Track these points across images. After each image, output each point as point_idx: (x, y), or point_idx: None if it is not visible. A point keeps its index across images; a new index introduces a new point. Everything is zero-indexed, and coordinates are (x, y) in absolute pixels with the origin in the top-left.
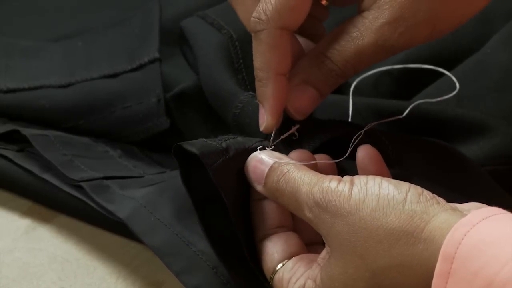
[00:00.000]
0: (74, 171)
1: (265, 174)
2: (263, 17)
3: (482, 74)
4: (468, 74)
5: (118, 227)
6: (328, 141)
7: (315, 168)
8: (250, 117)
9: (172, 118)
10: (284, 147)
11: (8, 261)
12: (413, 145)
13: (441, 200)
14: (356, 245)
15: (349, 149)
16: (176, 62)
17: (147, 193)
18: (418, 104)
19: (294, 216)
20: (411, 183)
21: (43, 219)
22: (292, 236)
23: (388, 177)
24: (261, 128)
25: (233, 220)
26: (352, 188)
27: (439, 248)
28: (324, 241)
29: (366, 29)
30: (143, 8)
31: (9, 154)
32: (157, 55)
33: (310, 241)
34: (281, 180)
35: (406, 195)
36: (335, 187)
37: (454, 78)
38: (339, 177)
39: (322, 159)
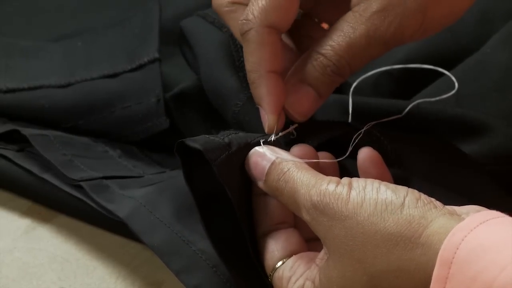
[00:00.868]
0: (73, 171)
1: (266, 171)
2: (250, 16)
3: (482, 74)
4: (468, 74)
5: (118, 227)
6: (327, 141)
7: (316, 165)
8: (250, 115)
9: (171, 118)
10: (284, 147)
11: (7, 261)
12: (412, 145)
13: (438, 204)
14: (354, 249)
15: (350, 148)
16: (175, 62)
17: (146, 192)
18: (418, 103)
19: None
20: (411, 183)
21: (43, 219)
22: (293, 234)
23: (389, 179)
24: (266, 129)
25: (238, 215)
26: (350, 192)
27: (437, 253)
28: (322, 243)
29: (356, 22)
30: (143, 8)
31: (9, 154)
32: (156, 55)
33: (310, 237)
34: (281, 179)
35: (404, 200)
36: (333, 190)
37: (453, 78)
38: (337, 179)
39: (324, 156)
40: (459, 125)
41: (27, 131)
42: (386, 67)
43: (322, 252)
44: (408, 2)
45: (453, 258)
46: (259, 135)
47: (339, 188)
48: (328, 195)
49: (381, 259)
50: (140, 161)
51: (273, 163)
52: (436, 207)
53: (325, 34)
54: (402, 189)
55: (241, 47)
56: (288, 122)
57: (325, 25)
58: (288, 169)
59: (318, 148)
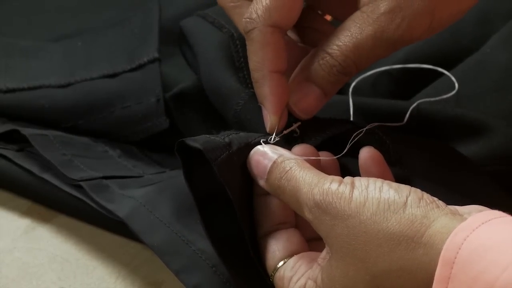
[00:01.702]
0: (73, 170)
1: (268, 169)
2: (254, 16)
3: (482, 74)
4: (468, 74)
5: (118, 226)
6: (330, 139)
7: (318, 164)
8: (251, 114)
9: (171, 118)
10: (286, 145)
11: (7, 261)
12: (414, 145)
13: (441, 203)
14: (356, 248)
15: (348, 145)
16: (175, 62)
17: (146, 192)
18: (418, 103)
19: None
20: (412, 182)
21: (42, 219)
22: (294, 233)
23: (391, 179)
24: (267, 129)
25: (238, 215)
26: (352, 191)
27: (439, 253)
28: (324, 242)
29: (364, 23)
30: (143, 8)
31: (9, 154)
32: (156, 55)
33: (311, 236)
34: (283, 177)
35: (407, 199)
36: (335, 189)
37: (453, 78)
38: (340, 178)
39: (325, 156)
40: (459, 125)
41: (27, 131)
42: (385, 67)
43: (324, 251)
44: (415, 4)
45: (455, 258)
46: (259, 135)
47: (342, 187)
48: (330, 194)
49: (384, 259)
50: (140, 161)
51: (275, 162)
52: (438, 207)
53: (332, 32)
54: (405, 188)
55: (241, 47)
56: (291, 119)
57: (328, 17)
58: (290, 168)
59: (320, 147)
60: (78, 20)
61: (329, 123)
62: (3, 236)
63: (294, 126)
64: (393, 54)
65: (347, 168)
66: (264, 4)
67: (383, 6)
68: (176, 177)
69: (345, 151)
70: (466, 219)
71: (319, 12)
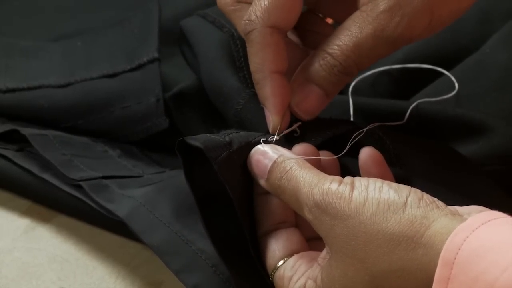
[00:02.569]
0: (73, 170)
1: (268, 169)
2: (253, 17)
3: (482, 73)
4: (468, 73)
5: (118, 226)
6: (330, 139)
7: (318, 163)
8: (251, 113)
9: (171, 118)
10: (286, 145)
11: (7, 261)
12: (414, 146)
13: (441, 204)
14: (356, 249)
15: (348, 145)
16: (175, 62)
17: (146, 192)
18: (418, 103)
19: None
20: (412, 183)
21: (42, 219)
22: (294, 233)
23: (391, 179)
24: (270, 130)
25: (238, 214)
26: (352, 191)
27: (439, 254)
28: (324, 242)
29: (363, 22)
30: (142, 8)
31: (9, 153)
32: (156, 55)
33: (311, 236)
34: (283, 177)
35: (407, 199)
36: (335, 189)
37: (453, 78)
38: (340, 178)
39: (325, 155)
40: (459, 125)
41: (26, 131)
42: (385, 67)
43: (324, 251)
44: (415, 1)
45: (455, 259)
46: (260, 134)
47: (342, 187)
48: (330, 194)
49: (383, 259)
50: (140, 160)
51: (275, 161)
52: (438, 207)
53: (332, 33)
54: (405, 189)
55: (242, 47)
56: (292, 120)
57: (329, 20)
58: (291, 168)
59: (321, 147)
60: (77, 20)
61: (329, 123)
62: (3, 236)
63: (295, 126)
64: (392, 54)
65: (347, 168)
66: (263, 5)
67: (382, 5)
68: (176, 177)
69: (345, 151)
70: (466, 219)
71: (320, 15)
